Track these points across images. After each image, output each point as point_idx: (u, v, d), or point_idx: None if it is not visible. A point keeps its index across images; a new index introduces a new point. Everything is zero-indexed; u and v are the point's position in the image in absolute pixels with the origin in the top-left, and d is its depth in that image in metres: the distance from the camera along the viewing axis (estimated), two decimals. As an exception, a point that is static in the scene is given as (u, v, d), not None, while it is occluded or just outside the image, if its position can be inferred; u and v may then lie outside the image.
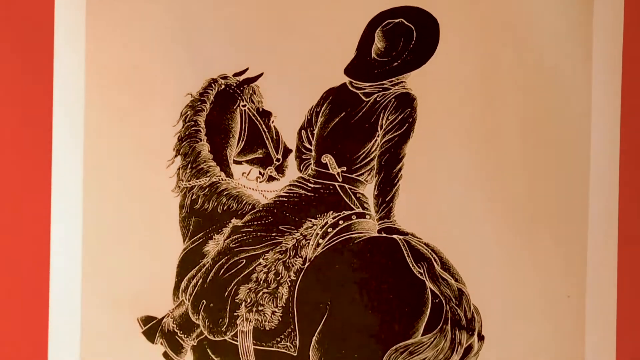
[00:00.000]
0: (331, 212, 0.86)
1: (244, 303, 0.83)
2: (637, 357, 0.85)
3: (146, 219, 0.85)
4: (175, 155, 0.86)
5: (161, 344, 0.84)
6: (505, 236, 0.86)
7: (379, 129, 0.86)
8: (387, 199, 0.86)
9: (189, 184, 0.85)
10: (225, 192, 0.86)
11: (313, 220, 0.85)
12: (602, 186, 0.85)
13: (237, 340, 0.83)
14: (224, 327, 0.83)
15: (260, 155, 0.88)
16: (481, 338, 0.84)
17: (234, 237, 0.85)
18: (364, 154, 0.86)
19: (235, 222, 0.86)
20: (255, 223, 0.86)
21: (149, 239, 0.85)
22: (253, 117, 0.87)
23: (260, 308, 0.83)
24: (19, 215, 0.84)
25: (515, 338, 0.84)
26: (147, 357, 0.83)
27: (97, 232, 0.85)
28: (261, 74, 0.86)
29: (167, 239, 0.85)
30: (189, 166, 0.85)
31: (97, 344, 0.83)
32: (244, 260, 0.85)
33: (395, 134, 0.86)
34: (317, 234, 0.85)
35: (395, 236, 0.85)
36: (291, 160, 0.88)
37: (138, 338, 0.83)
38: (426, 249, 0.84)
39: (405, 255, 0.84)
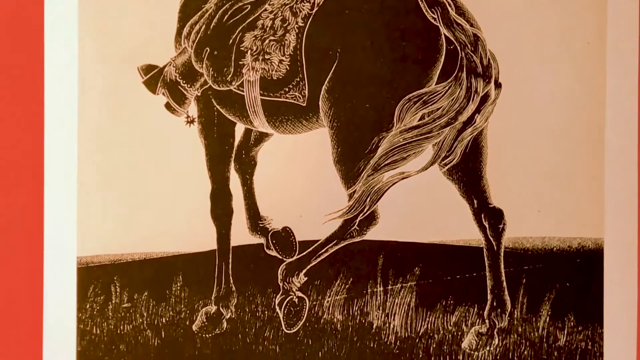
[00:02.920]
0: (340, -48, 0.81)
1: (249, 51, 0.81)
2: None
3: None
4: None
5: (163, 94, 0.82)
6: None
7: None
8: (400, -62, 0.82)
9: None
10: None
11: (321, -39, 0.81)
12: None
13: (243, 91, 0.81)
14: (229, 76, 0.81)
15: None
16: (498, 86, 0.83)
17: (237, -20, 0.81)
18: None
19: (237, -36, 0.82)
20: (259, -35, 0.81)
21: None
22: None
23: (266, 56, 0.81)
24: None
25: (534, 85, 0.83)
26: (149, 109, 0.82)
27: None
28: None
29: (165, -20, 0.82)
30: None
31: (95, 98, 0.82)
32: (249, 6, 0.82)
33: None
34: (326, -23, 0.81)
35: (409, -21, 0.81)
36: None
37: (139, 89, 0.81)
38: (441, -8, 0.81)
39: (420, -1, 0.80)
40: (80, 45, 0.83)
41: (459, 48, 0.82)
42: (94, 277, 0.83)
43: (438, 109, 0.83)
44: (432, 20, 0.82)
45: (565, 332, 0.85)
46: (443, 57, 0.82)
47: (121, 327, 0.83)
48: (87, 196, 0.83)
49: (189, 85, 0.84)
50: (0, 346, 0.83)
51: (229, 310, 0.84)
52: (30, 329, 0.83)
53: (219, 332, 0.84)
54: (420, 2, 0.82)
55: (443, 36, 0.82)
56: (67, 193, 0.82)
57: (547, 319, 0.85)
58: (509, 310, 0.85)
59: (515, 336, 0.85)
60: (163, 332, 0.84)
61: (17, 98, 0.84)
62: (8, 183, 0.83)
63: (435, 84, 0.83)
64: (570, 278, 0.85)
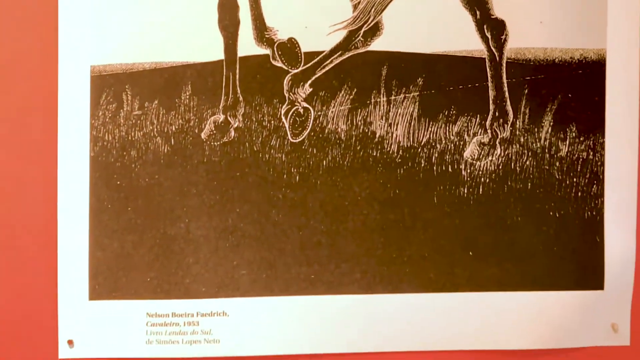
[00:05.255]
0: None
1: None
2: None
3: None
4: None
5: None
6: None
7: None
8: None
9: None
10: None
11: None
12: None
13: None
14: None
15: None
16: None
17: None
18: None
19: None
20: None
21: None
22: None
23: None
24: None
25: None
26: None
27: None
28: None
29: None
30: None
31: None
32: None
33: None
34: None
35: None
36: None
37: None
38: None
39: None
40: None
41: None
42: (107, 85, 0.87)
43: None
44: None
45: (567, 142, 0.87)
46: None
47: (132, 134, 0.87)
48: (100, 5, 0.86)
49: None
50: (5, 160, 0.87)
51: (237, 120, 0.87)
52: (45, 140, 0.87)
53: (226, 140, 0.87)
54: None
55: None
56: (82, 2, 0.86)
57: (549, 129, 0.87)
58: (510, 120, 0.87)
59: (517, 146, 0.87)
60: (172, 139, 0.87)
61: None
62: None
63: None
64: (572, 89, 0.86)
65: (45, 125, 0.87)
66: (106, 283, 0.87)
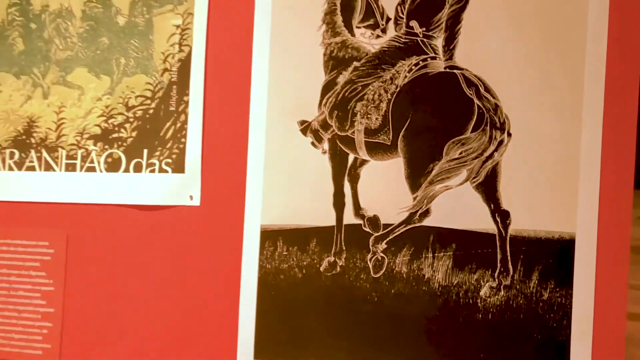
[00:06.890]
0: (414, 56, 1.41)
1: (359, 113, 1.44)
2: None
3: (302, 63, 1.48)
4: (322, 23, 1.47)
5: (310, 137, 1.47)
6: (529, 71, 1.35)
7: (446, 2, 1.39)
8: (450, 47, 1.40)
9: (329, 41, 1.46)
10: (350, 45, 1.45)
11: (403, 61, 1.42)
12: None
13: (354, 135, 1.44)
14: (347, 127, 1.44)
15: (372, 22, 1.45)
16: (509, 135, 1.36)
17: (354, 73, 1.45)
18: (437, 20, 1.40)
19: (355, 63, 1.46)
20: (368, 64, 1.45)
21: (305, 72, 1.47)
22: (367, -2, 1.44)
23: (369, 116, 1.43)
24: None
25: (534, 136, 1.35)
26: (302, 144, 1.47)
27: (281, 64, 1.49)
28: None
29: (316, 73, 1.47)
30: (329, 30, 1.45)
31: (276, 136, 1.48)
32: (360, 87, 1.44)
33: (456, 6, 1.38)
34: (405, 69, 1.41)
35: (455, 71, 1.39)
36: (390, 24, 1.44)
37: (297, 134, 1.47)
38: (475, 78, 1.37)
39: (461, 82, 1.38)
40: (269, 104, 1.51)
41: (485, 112, 1.38)
42: (268, 237, 1.50)
43: (471, 148, 1.39)
44: (469, 95, 1.38)
45: (548, 291, 1.35)
46: (475, 117, 1.38)
47: (282, 266, 1.49)
48: (269, 189, 1.50)
49: (324, 132, 1.48)
50: (212, 275, 1.53)
51: (341, 261, 1.46)
52: (232, 268, 1.52)
53: (335, 272, 1.46)
54: (462, 84, 1.39)
55: (476, 105, 1.38)
56: (258, 186, 1.51)
57: (536, 282, 1.36)
58: (511, 274, 1.37)
59: (515, 291, 1.37)
60: (304, 270, 1.48)
61: (231, 128, 1.54)
62: (223, 187, 1.54)
63: (470, 133, 1.39)
64: (552, 257, 1.35)
65: (232, 262, 1.52)
66: (263, 350, 1.49)
